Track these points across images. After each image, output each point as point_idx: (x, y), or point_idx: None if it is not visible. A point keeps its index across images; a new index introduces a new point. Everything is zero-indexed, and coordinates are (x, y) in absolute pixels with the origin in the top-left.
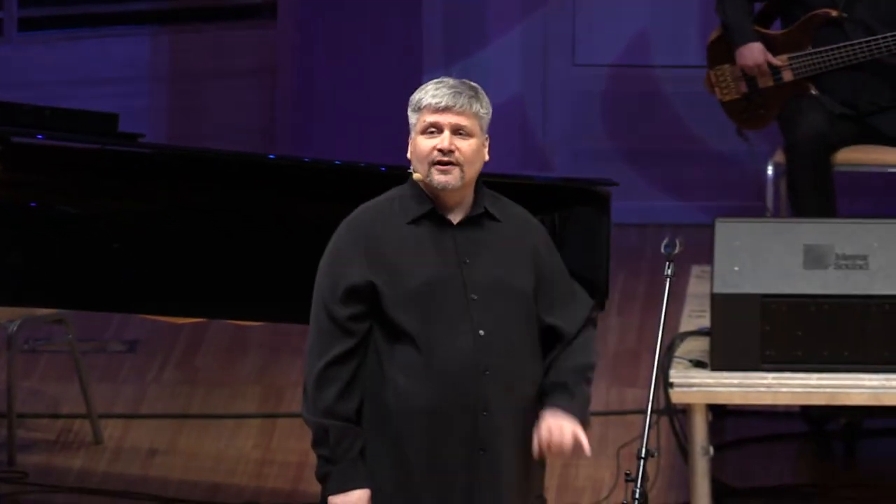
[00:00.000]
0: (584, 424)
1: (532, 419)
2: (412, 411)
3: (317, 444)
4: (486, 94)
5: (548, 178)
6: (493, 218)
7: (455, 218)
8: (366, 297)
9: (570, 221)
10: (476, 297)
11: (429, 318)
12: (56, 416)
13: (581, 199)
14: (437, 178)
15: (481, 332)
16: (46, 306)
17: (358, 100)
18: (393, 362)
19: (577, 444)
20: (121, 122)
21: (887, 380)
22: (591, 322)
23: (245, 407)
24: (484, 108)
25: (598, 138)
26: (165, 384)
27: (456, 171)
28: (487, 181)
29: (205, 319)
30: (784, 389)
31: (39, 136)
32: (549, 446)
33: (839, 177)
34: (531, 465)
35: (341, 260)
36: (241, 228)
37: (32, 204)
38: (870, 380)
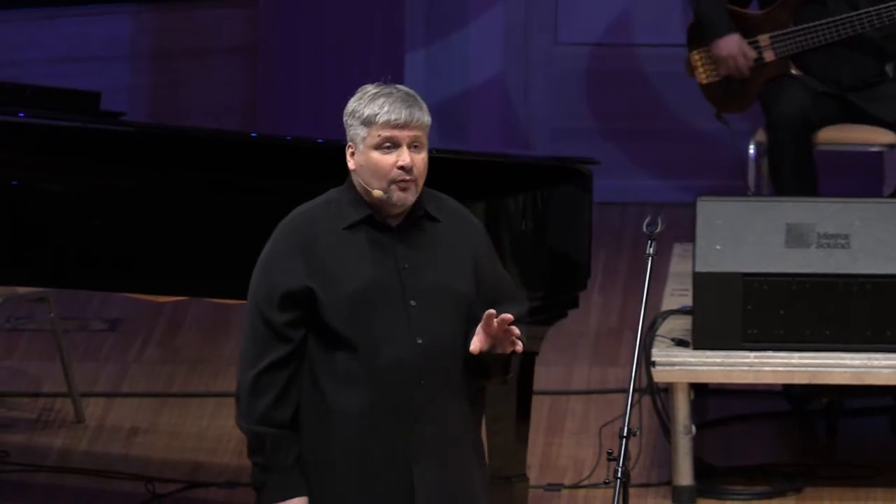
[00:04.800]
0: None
1: (467, 428)
2: (346, 420)
3: (252, 452)
4: (468, 72)
5: (529, 156)
6: (432, 218)
7: (393, 221)
8: (302, 303)
9: (552, 200)
10: (414, 304)
11: (366, 325)
12: (37, 395)
13: (563, 177)
14: (398, 195)
15: (419, 341)
16: (28, 285)
17: (339, 78)
18: (328, 370)
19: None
20: (102, 101)
21: (869, 359)
22: (524, 319)
23: (226, 386)
24: (428, 116)
25: (580, 117)
26: (147, 363)
27: (413, 187)
28: (470, 160)
29: (186, 298)
30: (766, 368)
31: (21, 115)
32: (488, 320)
33: (821, 156)
34: (474, 474)
35: (278, 264)
36: (222, 207)
37: (14, 182)
38: (852, 359)
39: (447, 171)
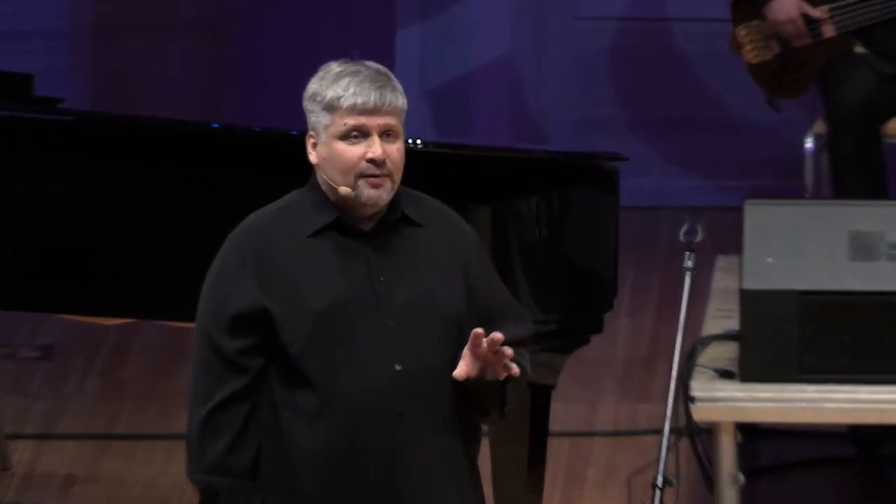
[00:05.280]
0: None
1: (460, 470)
2: (315, 463)
3: None
4: (471, 52)
5: (543, 151)
6: (412, 223)
7: (366, 225)
8: (258, 327)
9: (571, 203)
10: (392, 324)
11: (334, 349)
12: None
13: (583, 176)
14: (369, 192)
15: (398, 367)
16: None
17: (319, 61)
18: (291, 405)
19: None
20: (36, 85)
21: None
22: (528, 342)
23: (180, 426)
24: (404, 98)
25: (603, 105)
26: (87, 398)
27: (387, 183)
28: (472, 156)
29: (134, 320)
30: (828, 405)
31: None
32: (475, 340)
33: (890, 150)
34: None
35: (227, 282)
36: (179, 210)
37: None
38: None
39: (446, 168)
